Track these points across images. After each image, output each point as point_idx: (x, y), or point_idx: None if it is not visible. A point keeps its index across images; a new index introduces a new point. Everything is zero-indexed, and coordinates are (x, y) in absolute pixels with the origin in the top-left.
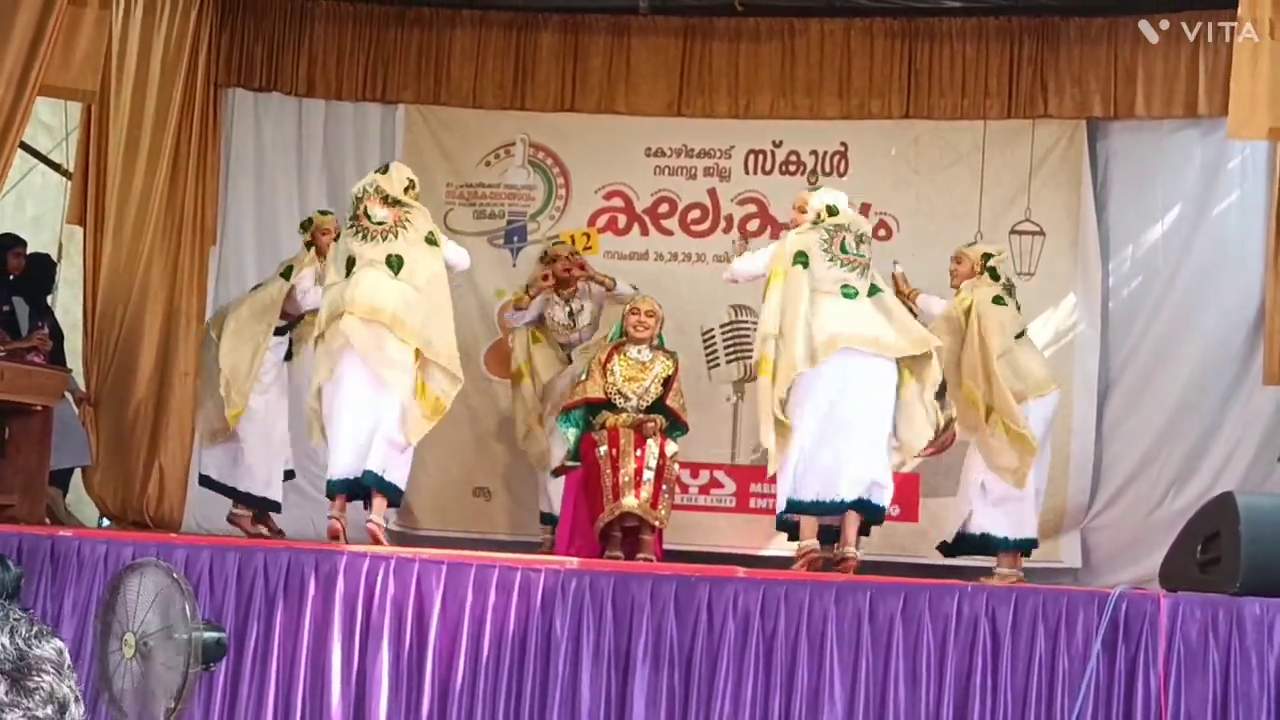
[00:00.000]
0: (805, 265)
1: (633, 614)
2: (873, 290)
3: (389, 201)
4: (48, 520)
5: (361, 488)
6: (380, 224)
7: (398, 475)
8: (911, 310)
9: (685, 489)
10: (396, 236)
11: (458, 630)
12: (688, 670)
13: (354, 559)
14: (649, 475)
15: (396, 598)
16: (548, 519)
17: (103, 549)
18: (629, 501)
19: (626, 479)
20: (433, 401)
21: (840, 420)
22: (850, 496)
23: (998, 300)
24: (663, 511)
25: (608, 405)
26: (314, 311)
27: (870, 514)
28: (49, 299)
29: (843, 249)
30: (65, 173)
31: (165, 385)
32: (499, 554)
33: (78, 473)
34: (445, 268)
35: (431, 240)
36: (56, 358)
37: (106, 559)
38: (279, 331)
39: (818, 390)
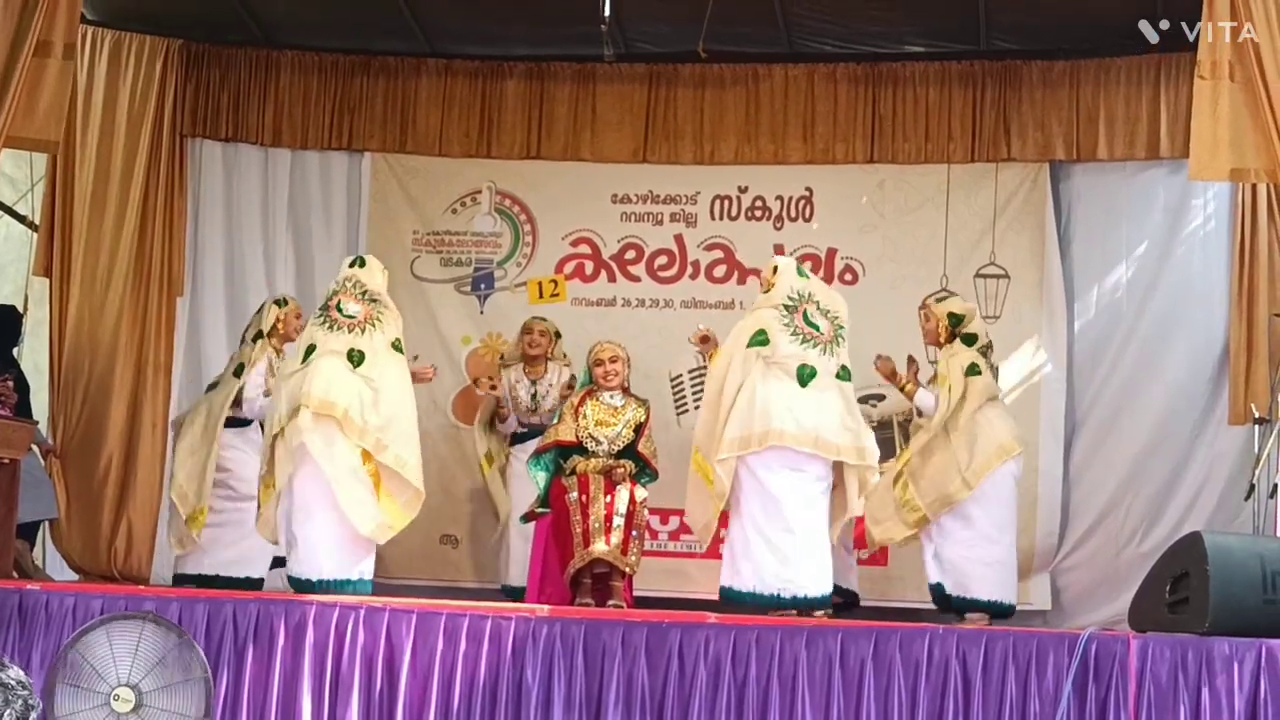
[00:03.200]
0: (765, 343)
1: (604, 661)
2: (841, 374)
3: (365, 297)
4: (15, 574)
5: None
6: (350, 318)
7: (365, 570)
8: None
9: (655, 535)
10: (363, 333)
11: (428, 679)
12: (660, 716)
13: (323, 609)
14: (619, 521)
15: (366, 647)
16: (510, 592)
17: (70, 602)
18: (599, 547)
19: (596, 525)
20: (396, 508)
21: (774, 519)
22: (778, 593)
23: (973, 370)
24: (633, 557)
25: (579, 449)
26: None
27: (802, 607)
28: (15, 351)
29: (806, 321)
30: (31, 225)
31: (133, 438)
32: (469, 602)
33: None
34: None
35: (397, 347)
36: (22, 410)
37: (74, 612)
38: (241, 424)
39: (752, 485)
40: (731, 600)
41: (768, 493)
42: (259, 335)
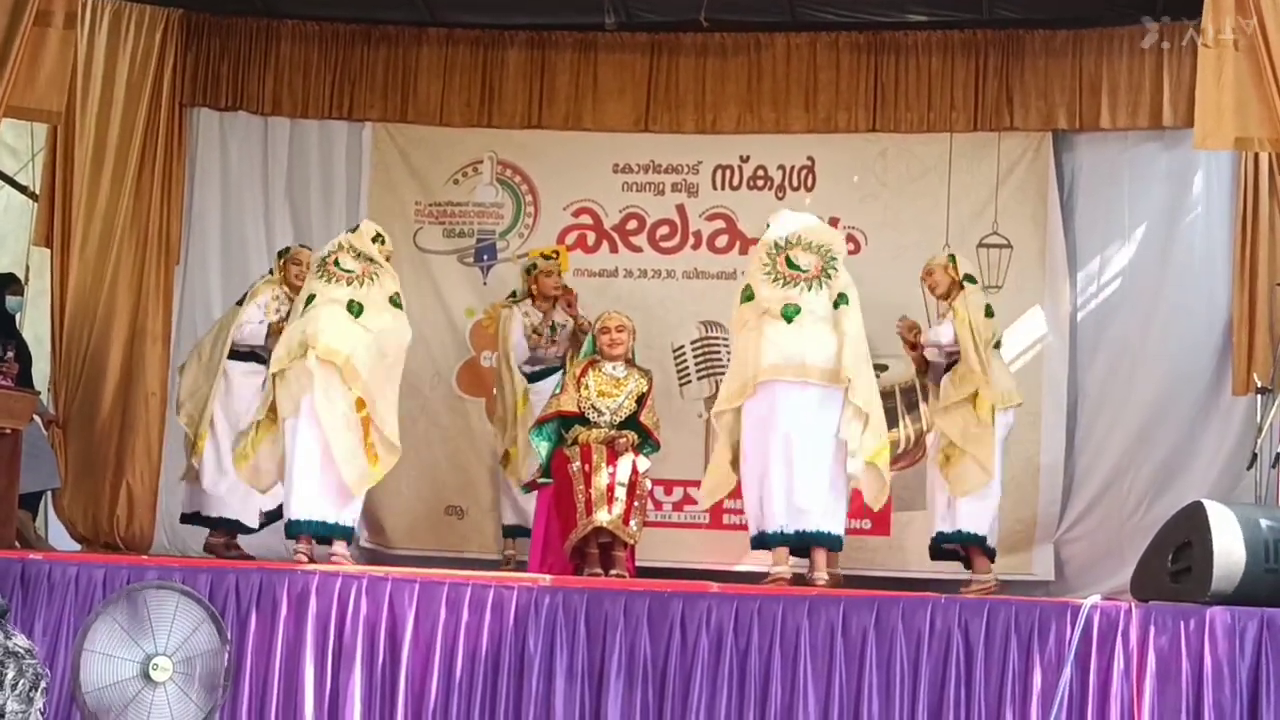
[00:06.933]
0: (752, 298)
1: (606, 630)
2: (840, 300)
3: (360, 256)
4: (17, 543)
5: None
6: (348, 271)
7: (348, 516)
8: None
9: (659, 506)
10: (361, 285)
11: (431, 649)
12: (661, 686)
13: (326, 578)
14: (621, 491)
15: (369, 617)
16: (511, 531)
17: (73, 572)
18: (601, 516)
19: (598, 495)
20: (373, 459)
21: (779, 454)
22: (803, 529)
23: (989, 312)
24: (634, 527)
25: (580, 419)
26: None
27: (825, 543)
28: (16, 321)
29: (789, 264)
30: (32, 195)
31: (131, 405)
32: (472, 572)
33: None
34: (404, 337)
35: (395, 303)
36: (24, 380)
37: (77, 582)
38: (259, 359)
39: (753, 425)
40: (762, 547)
41: (769, 429)
42: (270, 272)
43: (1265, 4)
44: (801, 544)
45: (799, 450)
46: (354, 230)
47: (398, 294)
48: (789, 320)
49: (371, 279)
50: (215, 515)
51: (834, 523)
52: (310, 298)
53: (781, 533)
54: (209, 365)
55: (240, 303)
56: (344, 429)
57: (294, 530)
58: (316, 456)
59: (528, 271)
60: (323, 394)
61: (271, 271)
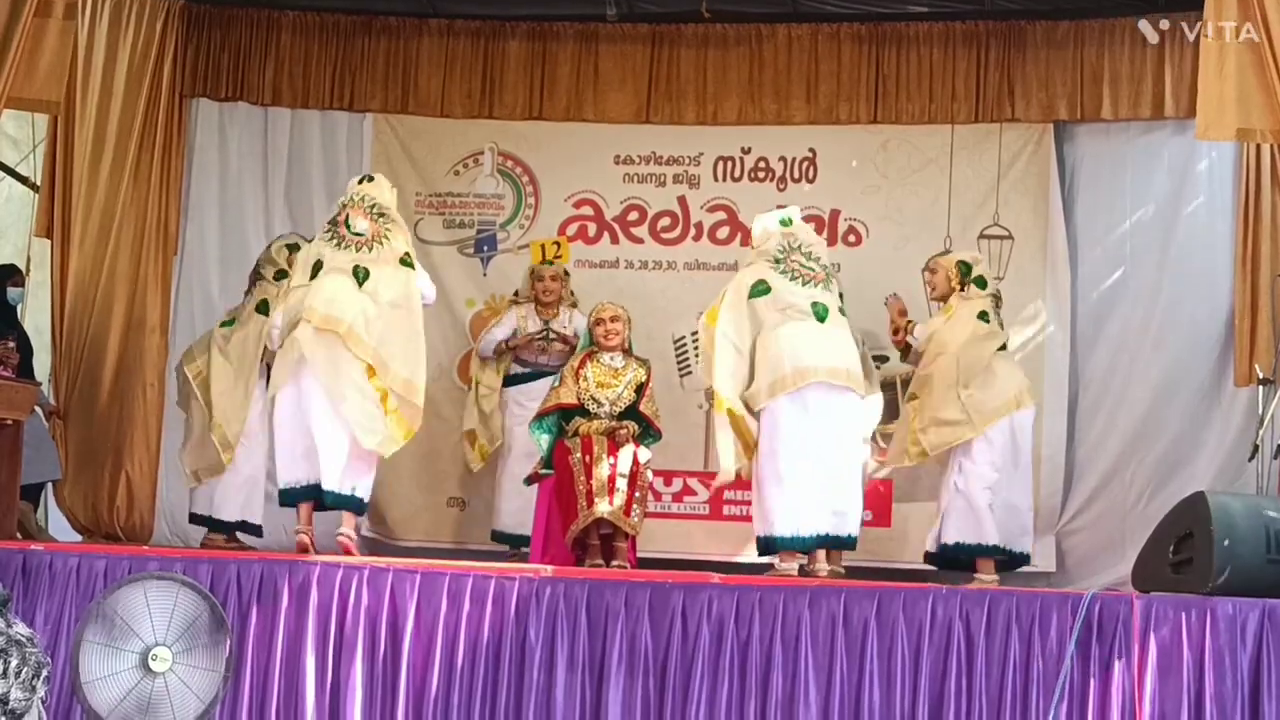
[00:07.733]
0: (766, 292)
1: (607, 621)
2: (843, 309)
3: (373, 213)
4: (19, 535)
5: (317, 498)
6: (358, 235)
7: (361, 488)
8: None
9: (659, 496)
10: (370, 250)
11: (432, 640)
12: (662, 677)
13: (327, 569)
14: (622, 482)
15: (370, 608)
16: (498, 536)
17: (74, 563)
18: (602, 507)
19: (599, 486)
20: (399, 421)
21: (813, 457)
22: (821, 532)
23: (982, 316)
24: (636, 518)
25: (580, 411)
26: None
27: (839, 545)
28: (17, 312)
29: (801, 265)
30: (33, 186)
31: (129, 396)
32: (473, 563)
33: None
34: (417, 293)
35: (406, 262)
36: (25, 371)
37: (78, 573)
38: None
39: (787, 426)
40: (775, 550)
41: (806, 432)
42: (280, 273)
43: None
44: (827, 547)
45: (841, 454)
46: (370, 179)
47: (409, 253)
48: (821, 319)
49: (381, 240)
50: (221, 519)
51: (857, 524)
52: (317, 265)
53: (821, 536)
54: (240, 374)
55: (260, 309)
56: (355, 395)
57: (289, 500)
58: (316, 428)
59: (531, 274)
60: (326, 361)
61: (279, 276)
